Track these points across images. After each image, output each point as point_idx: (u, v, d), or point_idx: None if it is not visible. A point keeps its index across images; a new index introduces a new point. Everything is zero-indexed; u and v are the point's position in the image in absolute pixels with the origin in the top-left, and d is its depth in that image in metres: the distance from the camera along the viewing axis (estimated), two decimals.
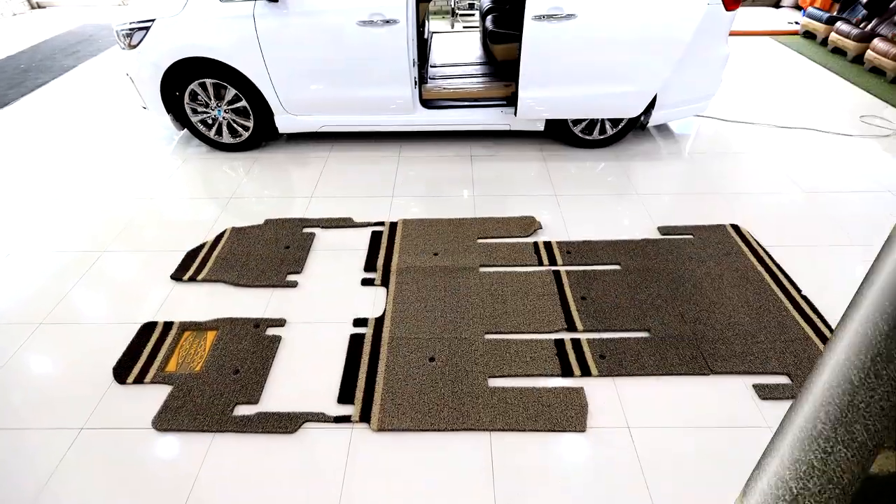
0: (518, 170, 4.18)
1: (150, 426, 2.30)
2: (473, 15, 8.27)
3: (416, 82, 4.08)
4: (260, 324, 2.78)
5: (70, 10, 9.81)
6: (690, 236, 3.36)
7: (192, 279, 3.10)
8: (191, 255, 3.27)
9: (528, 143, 4.57)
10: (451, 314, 2.81)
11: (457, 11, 8.20)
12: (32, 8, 9.99)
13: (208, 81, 4.04)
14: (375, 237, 3.42)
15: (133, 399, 2.42)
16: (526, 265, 3.16)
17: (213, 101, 4.16)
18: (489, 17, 4.84)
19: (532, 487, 2.08)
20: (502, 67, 4.66)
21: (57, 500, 2.07)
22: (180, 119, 4.31)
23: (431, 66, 5.00)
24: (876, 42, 6.01)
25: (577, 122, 4.29)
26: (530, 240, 3.37)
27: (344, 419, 2.31)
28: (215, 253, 3.28)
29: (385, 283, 3.05)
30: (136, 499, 2.07)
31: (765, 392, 2.39)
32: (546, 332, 2.71)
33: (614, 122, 4.29)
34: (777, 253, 3.22)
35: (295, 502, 2.05)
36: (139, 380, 2.49)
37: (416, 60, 4.00)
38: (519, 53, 3.72)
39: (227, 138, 4.42)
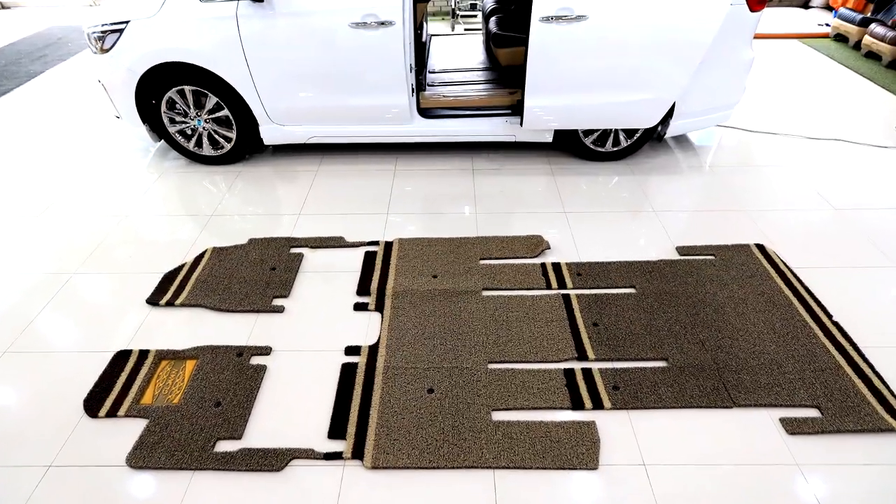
0: (524, 185, 4.27)
1: (124, 463, 2.35)
2: (475, 16, 8.44)
3: (413, 89, 4.17)
4: (243, 352, 2.84)
5: (37, 11, 10.02)
6: (712, 257, 3.44)
7: (170, 303, 3.16)
8: (168, 278, 3.34)
9: (535, 156, 4.67)
10: (452, 342, 2.87)
11: (457, 12, 8.37)
12: None
13: (187, 88, 4.12)
14: (369, 258, 3.49)
15: (106, 434, 2.47)
16: (533, 288, 3.23)
17: (192, 109, 4.25)
18: (493, 19, 4.94)
19: None
20: (507, 73, 4.76)
21: None
22: (157, 129, 4.40)
23: (430, 72, 5.11)
24: None
25: (588, 132, 4.39)
26: (537, 261, 3.44)
27: (335, 456, 2.36)
28: (195, 275, 3.35)
29: (379, 308, 3.11)
30: None
31: (793, 426, 2.44)
32: (555, 362, 2.77)
33: (629, 132, 4.38)
34: (806, 275, 3.29)
35: None
36: (112, 413, 2.55)
37: (413, 65, 4.10)
38: (525, 58, 3.79)
39: (207, 150, 4.51)
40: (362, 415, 2.51)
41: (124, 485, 2.28)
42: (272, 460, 2.33)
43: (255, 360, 2.81)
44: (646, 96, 3.96)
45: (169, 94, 4.15)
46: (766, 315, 3.00)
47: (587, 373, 2.70)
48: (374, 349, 2.84)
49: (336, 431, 2.45)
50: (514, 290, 3.23)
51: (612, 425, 2.48)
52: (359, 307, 3.13)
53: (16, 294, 3.28)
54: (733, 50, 4.02)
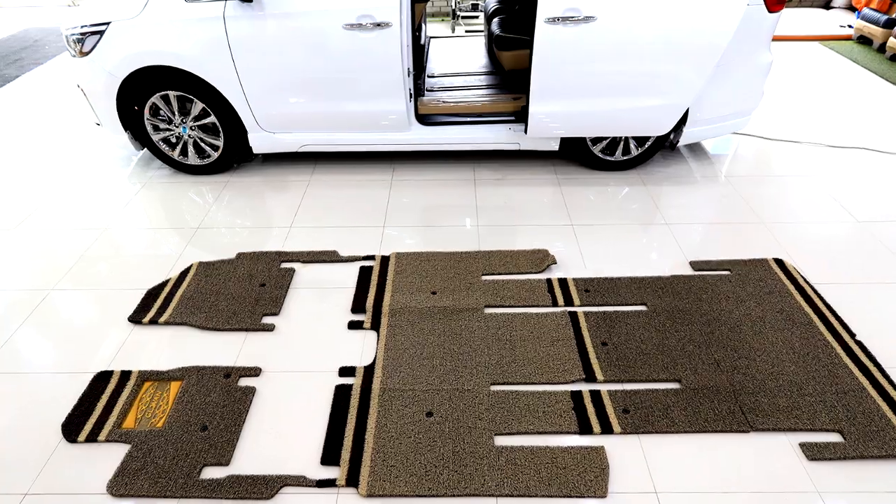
0: (529, 196, 4.32)
1: (104, 491, 2.38)
2: (477, 17, 8.52)
3: (411, 95, 4.23)
4: (231, 373, 2.87)
5: (12, 12, 10.11)
6: (727, 272, 3.48)
7: (153, 322, 3.20)
8: (151, 294, 3.38)
9: (540, 165, 4.73)
10: (452, 362, 2.90)
11: (458, 13, 8.46)
12: None
13: (172, 94, 4.17)
14: (364, 273, 3.53)
15: (85, 460, 2.50)
16: (538, 306, 3.27)
17: (177, 116, 4.30)
18: (495, 20, 5.01)
19: None
20: (511, 78, 4.82)
21: None
22: (140, 137, 4.45)
23: (429, 77, 5.16)
24: None
25: (596, 140, 4.44)
26: (543, 276, 3.48)
27: (328, 483, 2.39)
28: (180, 291, 3.39)
29: (375, 326, 3.15)
30: None
31: (814, 452, 2.47)
32: (561, 383, 2.80)
33: (640, 140, 4.43)
34: (827, 291, 3.34)
35: None
36: (92, 438, 2.58)
37: (411, 69, 4.15)
38: (530, 62, 3.83)
39: (193, 159, 4.56)
40: (357, 439, 2.54)
41: None
42: (261, 488, 2.36)
43: (244, 382, 2.84)
44: (658, 102, 3.99)
45: (152, 99, 4.19)
46: (785, 334, 3.04)
47: (595, 395, 2.73)
48: (369, 370, 2.88)
49: (329, 457, 2.48)
50: (518, 307, 3.27)
51: (622, 451, 2.51)
52: (353, 325, 3.17)
53: None
54: (751, 53, 4.07)
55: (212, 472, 2.44)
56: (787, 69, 6.72)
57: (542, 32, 3.70)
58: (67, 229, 4.02)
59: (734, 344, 2.98)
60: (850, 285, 3.39)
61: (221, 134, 4.37)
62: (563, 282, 3.42)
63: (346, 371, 2.88)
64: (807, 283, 3.38)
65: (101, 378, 2.85)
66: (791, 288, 3.34)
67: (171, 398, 2.75)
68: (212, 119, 4.28)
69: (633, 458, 2.48)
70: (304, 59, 3.96)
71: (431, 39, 6.19)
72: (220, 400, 2.73)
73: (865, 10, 7.56)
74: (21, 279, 3.55)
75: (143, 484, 2.38)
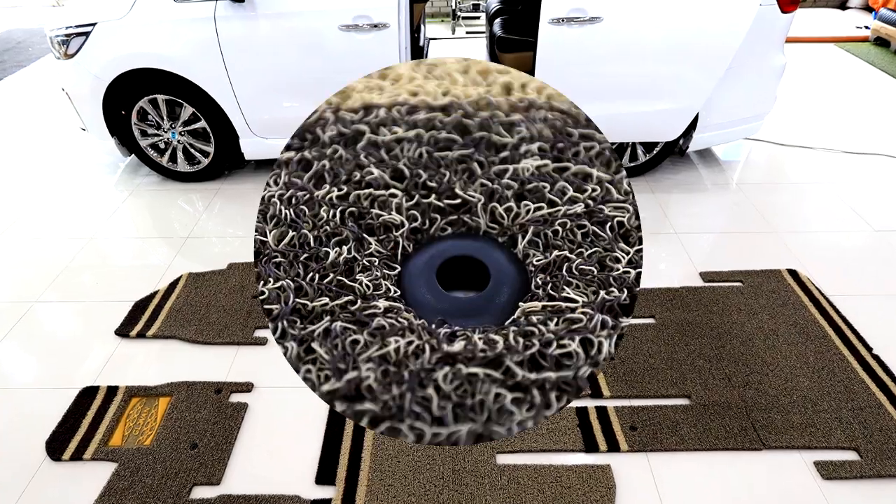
0: None
1: None
2: (478, 18, 8.58)
3: None
4: (222, 389, 2.89)
5: None
6: (739, 284, 3.51)
7: (141, 335, 3.22)
8: (139, 307, 3.40)
9: None
10: None
11: (458, 14, 8.51)
12: None
13: (160, 98, 4.21)
14: None
15: (70, 479, 2.51)
16: None
17: (165, 121, 4.33)
18: (497, 21, 5.05)
19: None
20: None
21: None
22: (127, 143, 4.48)
23: None
24: None
25: None
26: None
27: None
28: (168, 303, 3.41)
29: None
30: None
31: (829, 470, 2.48)
32: None
33: (648, 146, 4.46)
34: (843, 304, 3.35)
35: None
36: (77, 456, 2.59)
37: None
38: (533, 64, 3.87)
39: (182, 166, 4.60)
40: (353, 457, 2.56)
41: None
42: None
43: (235, 398, 2.86)
44: (666, 106, 4.02)
45: (140, 103, 4.22)
46: (798, 348, 3.06)
47: (602, 411, 2.75)
48: None
49: (324, 476, 2.50)
50: None
51: (629, 469, 2.52)
52: None
53: None
54: (763, 55, 4.10)
55: (202, 492, 2.45)
56: (801, 72, 6.77)
57: (546, 34, 3.72)
58: (51, 239, 4.04)
59: (746, 358, 3.00)
60: (866, 297, 3.41)
61: (212, 139, 4.40)
62: None
63: None
64: (821, 294, 3.40)
65: (87, 394, 2.87)
66: (805, 300, 3.36)
67: (159, 415, 2.77)
68: (202, 124, 4.31)
69: (640, 476, 2.49)
70: (298, 62, 3.98)
71: (431, 41, 6.24)
72: (211, 416, 2.75)
73: (883, 11, 7.60)
74: (3, 291, 3.57)
75: None
